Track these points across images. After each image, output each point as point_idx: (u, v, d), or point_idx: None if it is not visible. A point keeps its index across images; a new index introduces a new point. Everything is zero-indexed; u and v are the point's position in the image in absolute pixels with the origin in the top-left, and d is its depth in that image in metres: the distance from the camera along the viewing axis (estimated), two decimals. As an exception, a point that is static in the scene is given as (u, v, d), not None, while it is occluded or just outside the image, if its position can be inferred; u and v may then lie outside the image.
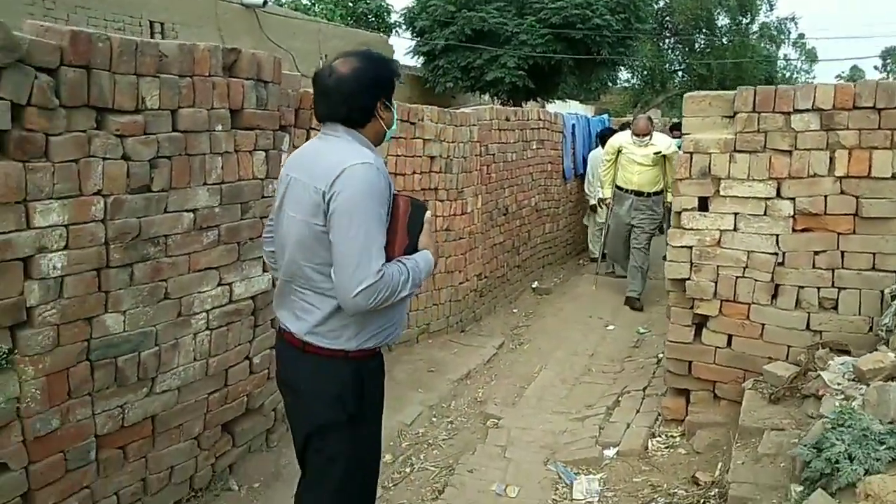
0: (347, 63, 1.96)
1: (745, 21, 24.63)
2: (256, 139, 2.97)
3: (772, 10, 24.83)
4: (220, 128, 2.76)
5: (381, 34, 16.37)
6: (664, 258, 5.87)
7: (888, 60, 45.01)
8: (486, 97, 14.66)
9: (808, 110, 3.20)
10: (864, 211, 3.17)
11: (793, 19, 26.17)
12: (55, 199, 2.21)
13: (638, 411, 4.03)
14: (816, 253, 3.28)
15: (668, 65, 24.54)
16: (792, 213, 3.29)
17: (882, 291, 3.17)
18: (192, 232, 2.71)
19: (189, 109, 2.61)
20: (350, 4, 18.12)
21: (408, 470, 3.59)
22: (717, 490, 2.98)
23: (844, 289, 3.26)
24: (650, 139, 6.45)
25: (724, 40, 24.37)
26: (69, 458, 2.41)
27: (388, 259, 1.89)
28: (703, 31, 24.09)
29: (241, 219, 2.94)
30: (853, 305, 3.25)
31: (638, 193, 6.55)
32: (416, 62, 15.42)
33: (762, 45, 26.38)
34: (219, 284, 2.89)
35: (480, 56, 13.57)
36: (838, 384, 2.81)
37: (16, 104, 2.07)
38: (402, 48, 18.27)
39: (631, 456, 3.53)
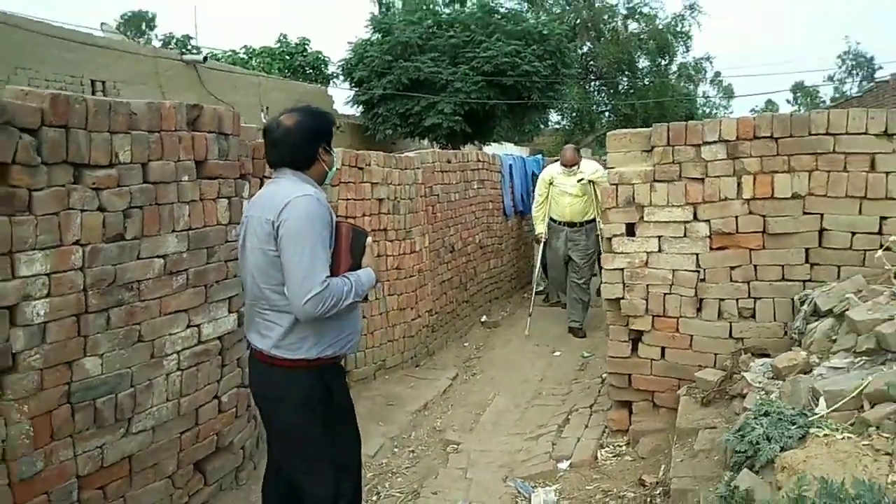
0: (291, 118, 2.32)
1: (663, 62, 26.12)
2: (220, 188, 3.17)
3: (688, 51, 26.41)
4: (186, 178, 2.96)
5: (320, 85, 16.74)
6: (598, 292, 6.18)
7: (798, 94, 48.25)
8: (426, 142, 15.11)
9: (715, 142, 3.63)
10: (771, 228, 3.59)
11: (708, 59, 27.91)
12: (38, 249, 2.37)
13: (586, 426, 4.30)
14: (732, 268, 3.67)
15: (594, 106, 25.70)
16: (708, 234, 3.68)
17: (792, 299, 3.56)
18: (162, 276, 2.88)
19: (158, 162, 2.81)
20: (287, 58, 18.48)
21: (374, 498, 3.74)
22: (661, 489, 3.25)
23: (760, 298, 3.65)
24: (578, 168, 6.53)
25: (646, 81, 25.75)
26: (52, 500, 2.50)
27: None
28: (626, 73, 25.43)
29: (208, 262, 3.12)
30: (768, 313, 3.63)
31: (570, 224, 6.64)
32: (355, 111, 15.79)
33: (682, 84, 28.00)
34: (188, 326, 3.05)
35: (418, 103, 14.04)
36: (759, 382, 3.14)
37: (1, 163, 2.23)
38: (341, 98, 18.73)
39: (582, 467, 3.79)
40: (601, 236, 6.31)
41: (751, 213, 3.61)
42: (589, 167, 6.62)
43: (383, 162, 5.39)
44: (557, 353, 6.19)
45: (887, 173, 3.41)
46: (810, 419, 2.38)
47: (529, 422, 4.64)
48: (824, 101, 43.66)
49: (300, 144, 2.31)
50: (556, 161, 7.19)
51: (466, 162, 7.29)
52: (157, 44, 20.17)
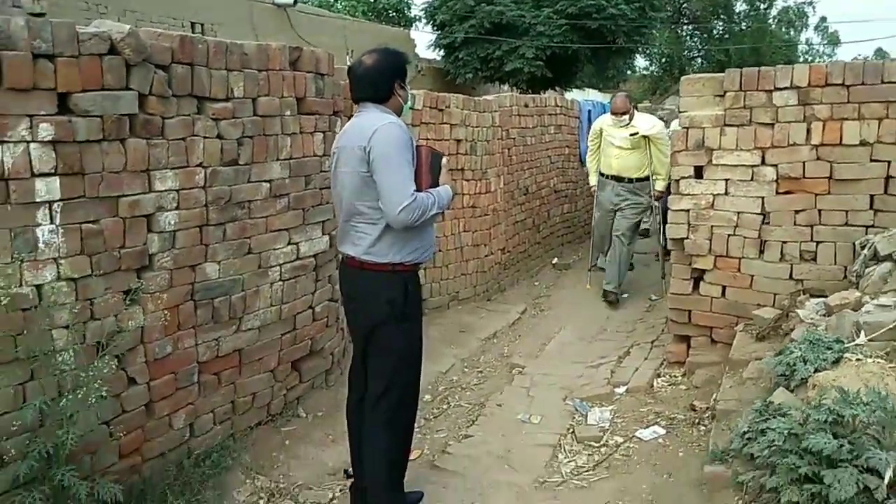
0: (371, 57, 2.69)
1: (762, 6, 24.79)
2: (316, 123, 3.54)
3: (790, -6, 24.97)
4: (288, 113, 3.34)
5: (402, 28, 16.93)
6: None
7: (913, 42, 44.45)
8: (506, 87, 15.16)
9: (786, 88, 3.70)
10: (837, 174, 3.67)
11: (810, 3, 26.28)
12: (169, 169, 2.80)
13: (646, 358, 4.57)
14: (797, 212, 3.78)
15: (686, 51, 24.79)
16: (775, 178, 3.79)
17: (854, 244, 3.66)
18: (268, 199, 3.29)
19: (266, 98, 3.20)
20: (371, 1, 18.71)
21: (445, 406, 4.16)
22: (710, 413, 3.51)
23: (822, 242, 3.76)
24: (630, 119, 5.97)
25: (743, 26, 24.57)
26: (179, 379, 3.00)
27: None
28: (721, 17, 24.32)
29: (306, 189, 3.52)
30: (829, 256, 3.75)
31: (618, 179, 6.12)
32: (436, 55, 15.96)
33: (782, 30, 26.50)
34: (288, 243, 3.48)
35: (499, 47, 14.06)
36: (811, 319, 3.32)
37: (141, 94, 2.65)
38: (424, 42, 18.90)
39: (638, 392, 4.08)
40: (653, 196, 6.04)
41: (818, 158, 3.70)
42: (645, 122, 6.07)
43: (462, 104, 5.64)
44: (626, 295, 6.39)
45: (962, 122, 3.42)
46: (846, 346, 2.58)
47: (592, 353, 4.93)
48: (943, 50, 40.23)
49: (378, 80, 2.65)
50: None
51: (544, 107, 7.43)
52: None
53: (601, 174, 6.30)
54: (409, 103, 2.82)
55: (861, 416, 2.01)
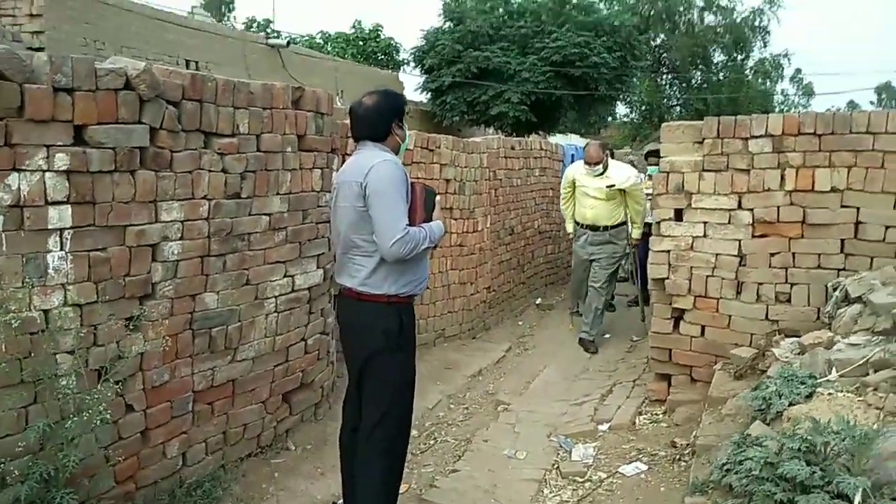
0: (371, 98, 2.86)
1: (739, 57, 25.62)
2: (315, 159, 3.68)
3: (765, 46, 25.83)
4: (289, 149, 3.48)
5: (391, 71, 17.31)
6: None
7: (883, 96, 46.25)
8: (491, 130, 15.49)
9: (761, 136, 3.92)
10: (810, 219, 3.87)
11: (786, 55, 27.21)
12: (175, 200, 2.91)
13: (628, 397, 4.67)
14: (772, 254, 3.96)
15: (665, 100, 25.47)
16: (751, 222, 3.98)
17: (826, 286, 3.83)
18: (267, 231, 3.40)
19: (269, 134, 3.33)
20: (360, 44, 19.14)
21: (432, 442, 4.22)
22: (690, 449, 3.61)
23: (796, 284, 3.93)
24: (604, 169, 5.91)
25: (721, 76, 25.35)
26: (174, 407, 3.06)
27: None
28: (700, 67, 25.09)
29: (303, 223, 3.64)
30: (803, 298, 3.92)
31: (594, 228, 6.08)
32: (424, 97, 16.31)
33: (758, 80, 27.37)
34: (285, 275, 3.57)
35: (486, 92, 14.43)
36: (786, 357, 3.46)
37: (152, 128, 2.78)
38: (412, 84, 19.29)
39: (621, 429, 4.17)
40: (630, 244, 6.15)
41: (792, 203, 3.89)
42: (620, 174, 5.98)
43: (452, 145, 5.83)
44: (608, 336, 6.52)
45: (924, 172, 3.63)
46: (818, 381, 2.72)
47: (575, 391, 5.03)
48: (911, 104, 41.74)
49: (377, 120, 2.81)
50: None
51: (529, 149, 7.66)
52: (238, 26, 21.15)
53: (576, 223, 6.29)
54: (406, 142, 2.97)
55: (832, 444, 2.13)
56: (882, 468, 2.10)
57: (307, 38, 19.51)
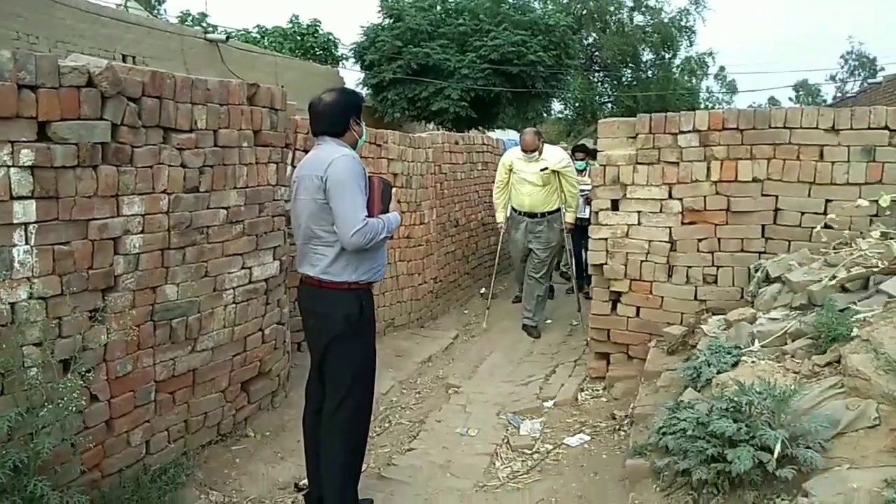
0: (330, 95, 2.99)
1: (667, 56, 26.59)
2: (270, 154, 3.78)
3: (691, 45, 26.91)
4: (245, 144, 3.57)
5: (331, 66, 17.26)
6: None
7: (800, 92, 48.80)
8: (432, 126, 15.68)
9: (689, 131, 4.23)
10: (733, 207, 4.21)
11: (710, 54, 28.44)
12: (136, 194, 2.97)
13: (570, 375, 4.96)
14: (700, 240, 4.29)
15: (598, 97, 26.23)
16: (680, 210, 4.30)
17: (748, 267, 4.18)
18: (225, 224, 3.49)
19: (226, 130, 3.42)
20: (298, 38, 18.96)
21: (387, 425, 4.38)
22: (628, 420, 3.89)
23: (721, 267, 4.27)
24: (539, 155, 6.01)
25: (650, 74, 26.26)
26: (137, 396, 3.12)
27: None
28: (630, 65, 25.93)
29: (259, 216, 3.73)
30: (728, 279, 4.26)
31: (531, 215, 6.16)
32: (365, 93, 16.32)
33: (685, 78, 28.48)
34: (242, 267, 3.66)
35: (426, 88, 14.59)
36: (713, 332, 3.78)
37: (113, 123, 2.83)
38: (352, 80, 19.24)
39: (565, 405, 4.44)
40: (566, 230, 6.26)
41: (717, 193, 4.23)
42: (553, 155, 6.14)
43: (399, 140, 5.98)
44: (549, 321, 6.81)
45: (833, 162, 4.01)
46: (743, 351, 3.02)
47: (521, 373, 5.28)
48: (826, 100, 44.10)
49: (335, 116, 2.94)
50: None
51: (472, 144, 7.89)
52: (171, 20, 20.62)
53: (513, 209, 6.35)
54: (364, 138, 3.12)
55: (755, 403, 2.41)
56: (798, 422, 2.39)
57: (243, 32, 19.20)
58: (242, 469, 3.58)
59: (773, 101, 46.25)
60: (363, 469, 3.56)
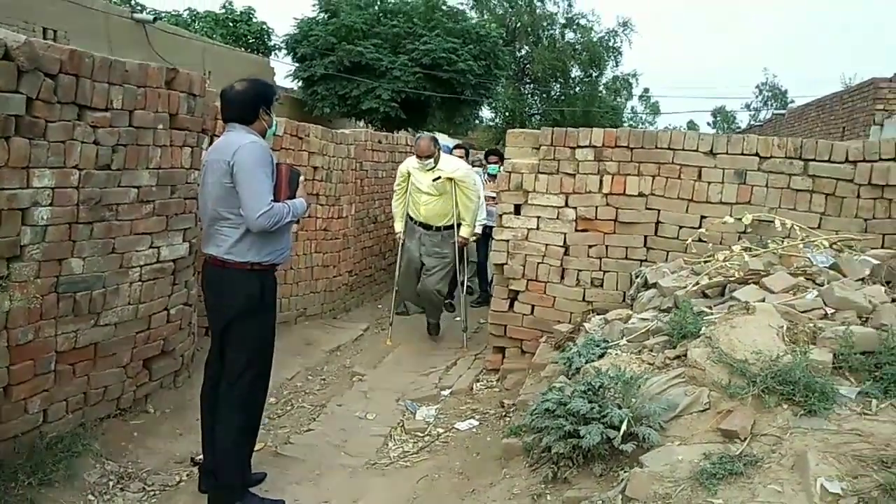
0: (242, 84, 3.17)
1: (594, 74, 27.64)
2: (185, 138, 3.90)
3: (617, 65, 28.07)
4: (161, 126, 3.68)
5: (262, 56, 17.12)
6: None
7: (718, 118, 51.52)
8: (361, 124, 15.82)
9: (586, 146, 4.60)
10: (621, 218, 4.60)
11: (634, 75, 29.72)
12: (47, 168, 3.05)
13: (469, 368, 5.26)
14: (590, 246, 4.67)
15: (527, 108, 26.97)
16: (575, 218, 4.67)
17: (631, 273, 4.59)
18: (135, 203, 3.58)
19: (142, 111, 3.52)
20: (230, 25, 18.72)
21: (288, 408, 4.55)
22: (514, 407, 4.21)
23: (607, 272, 4.66)
24: (435, 163, 5.67)
25: (577, 90, 27.22)
26: (37, 366, 3.18)
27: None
28: (559, 80, 26.81)
29: (171, 197, 3.84)
30: (613, 283, 4.65)
31: (426, 227, 5.83)
32: (295, 85, 16.30)
33: (610, 96, 29.65)
34: (150, 247, 3.76)
35: (357, 86, 14.73)
36: (594, 330, 4.14)
37: (29, 97, 2.91)
38: (283, 71, 19.07)
39: (460, 394, 4.73)
40: (458, 243, 5.83)
41: (608, 204, 4.61)
42: (449, 164, 5.79)
43: (321, 135, 6.14)
44: (458, 318, 7.10)
45: (709, 183, 4.46)
46: (610, 344, 3.37)
47: (424, 364, 5.54)
48: (740, 127, 46.70)
49: (246, 104, 3.10)
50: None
51: (396, 144, 8.11)
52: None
53: (411, 219, 5.96)
54: (273, 129, 3.29)
55: (607, 385, 2.74)
56: (643, 404, 2.73)
57: (174, 13, 18.79)
58: (140, 443, 3.67)
59: (692, 124, 48.75)
60: (260, 448, 3.73)
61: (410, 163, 5.95)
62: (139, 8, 14.64)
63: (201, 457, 3.44)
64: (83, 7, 9.48)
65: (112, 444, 3.57)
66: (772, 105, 43.76)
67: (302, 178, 3.24)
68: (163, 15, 15.92)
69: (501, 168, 7.54)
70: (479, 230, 6.58)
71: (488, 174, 7.15)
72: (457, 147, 7.50)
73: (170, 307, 4.02)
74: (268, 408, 4.24)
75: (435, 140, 5.89)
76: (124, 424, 3.75)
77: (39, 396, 3.23)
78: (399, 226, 6.12)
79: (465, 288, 6.36)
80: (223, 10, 19.31)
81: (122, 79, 3.38)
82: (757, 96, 44.93)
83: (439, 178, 5.67)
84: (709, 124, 51.56)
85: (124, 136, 3.44)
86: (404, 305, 6.70)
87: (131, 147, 3.50)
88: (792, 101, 40.46)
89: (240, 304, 3.08)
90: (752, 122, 34.78)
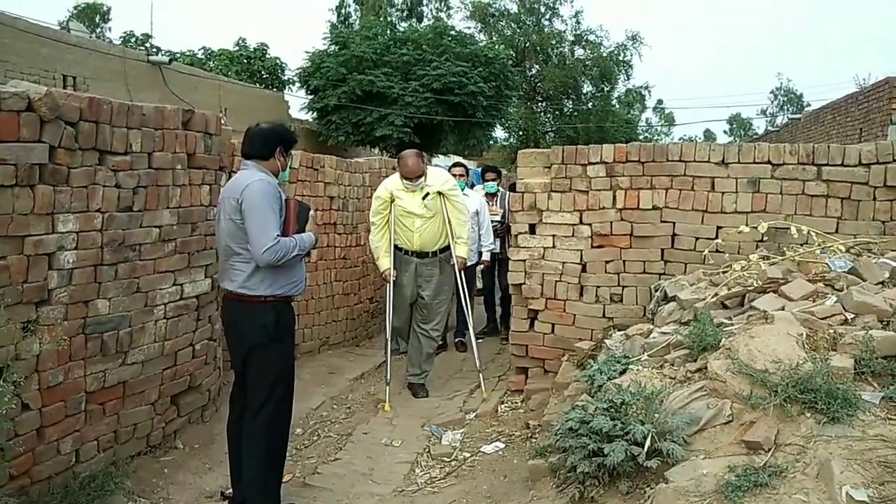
0: (266, 123, 3.33)
1: (606, 88, 27.64)
2: (203, 176, 3.99)
3: (629, 79, 28.07)
4: (179, 167, 3.78)
5: (276, 90, 17.43)
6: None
7: (734, 125, 51.25)
8: (376, 151, 15.98)
9: (598, 163, 4.63)
10: (636, 232, 4.61)
11: (646, 88, 29.69)
12: (71, 213, 3.15)
13: (493, 390, 5.24)
14: (607, 262, 4.67)
15: (540, 126, 27.03)
16: (590, 235, 4.68)
17: (650, 287, 4.57)
18: (157, 242, 3.68)
19: (160, 153, 3.63)
20: (245, 62, 19.10)
21: (315, 438, 4.58)
22: (540, 428, 4.20)
23: (626, 287, 4.66)
24: (425, 181, 4.97)
25: (590, 105, 27.23)
26: (68, 407, 3.26)
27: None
28: (571, 96, 26.86)
29: (191, 235, 3.93)
30: (632, 298, 4.64)
31: (421, 255, 5.10)
32: (309, 117, 16.55)
33: (624, 110, 29.63)
34: (174, 284, 3.85)
35: (370, 114, 14.92)
36: (615, 346, 4.13)
37: (51, 146, 3.02)
38: (297, 104, 19.39)
39: (485, 417, 4.73)
40: (457, 265, 5.17)
41: (622, 219, 4.63)
42: (437, 178, 5.10)
43: (335, 165, 6.25)
44: (480, 341, 7.09)
45: (723, 193, 4.45)
46: (631, 360, 3.37)
47: (448, 388, 5.55)
48: (757, 133, 46.40)
49: (265, 140, 3.24)
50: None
51: (409, 170, 8.19)
52: (115, 40, 20.50)
53: (398, 249, 5.16)
54: (286, 174, 3.39)
55: (629, 402, 2.74)
56: (666, 419, 2.72)
57: (188, 53, 19.23)
58: (170, 479, 3.72)
59: (708, 133, 48.57)
60: (288, 479, 3.76)
61: (392, 185, 5.11)
62: (155, 50, 15.02)
63: (231, 490, 3.47)
64: (100, 53, 9.77)
65: (143, 482, 3.62)
66: (788, 109, 43.54)
67: (312, 212, 3.32)
68: (178, 55, 16.31)
69: (499, 185, 7.54)
70: (487, 257, 6.51)
71: (486, 193, 7.10)
72: (455, 165, 7.14)
73: (195, 343, 4.09)
74: (294, 438, 4.29)
75: (422, 155, 5.15)
76: (154, 461, 3.81)
77: (71, 437, 3.29)
78: (385, 262, 5.14)
79: (471, 323, 5.74)
80: (237, 48, 19.73)
81: (140, 122, 3.49)
82: (772, 101, 44.74)
83: (428, 195, 5.00)
84: (725, 132, 51.36)
85: (144, 178, 3.54)
86: (397, 342, 5.92)
87: (151, 188, 3.60)
88: (808, 105, 40.11)
89: (256, 334, 3.15)
90: (769, 128, 34.56)
